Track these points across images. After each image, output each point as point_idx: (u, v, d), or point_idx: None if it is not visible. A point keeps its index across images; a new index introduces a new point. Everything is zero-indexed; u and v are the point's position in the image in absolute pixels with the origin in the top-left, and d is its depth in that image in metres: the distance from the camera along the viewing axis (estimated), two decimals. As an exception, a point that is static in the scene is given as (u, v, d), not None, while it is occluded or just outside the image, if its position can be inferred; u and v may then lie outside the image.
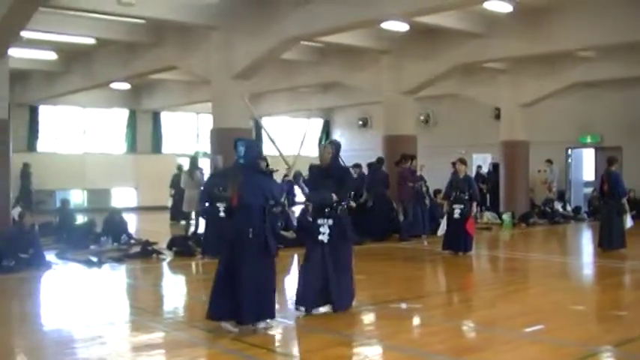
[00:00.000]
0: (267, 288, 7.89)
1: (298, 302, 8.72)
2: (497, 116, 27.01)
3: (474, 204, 15.21)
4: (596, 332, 8.22)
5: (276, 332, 8.07)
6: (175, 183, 24.14)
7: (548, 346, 7.19)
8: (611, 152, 24.93)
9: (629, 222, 15.45)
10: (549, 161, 26.59)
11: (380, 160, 19.03)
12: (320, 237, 8.77)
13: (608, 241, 15.33)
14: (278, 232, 15.06)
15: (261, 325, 7.86)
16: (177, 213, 23.56)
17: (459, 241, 14.72)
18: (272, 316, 7.96)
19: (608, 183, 15.40)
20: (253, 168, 8.05)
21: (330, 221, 8.81)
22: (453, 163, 15.41)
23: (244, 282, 7.67)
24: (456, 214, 14.82)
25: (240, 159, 8.05)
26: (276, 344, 7.63)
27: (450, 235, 14.98)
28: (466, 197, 14.82)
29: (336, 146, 9.31)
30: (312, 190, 9.08)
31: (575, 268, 14.66)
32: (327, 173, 9.09)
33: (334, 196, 8.79)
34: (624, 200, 15.50)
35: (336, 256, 8.87)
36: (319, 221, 8.82)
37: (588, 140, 27.57)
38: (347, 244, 9.13)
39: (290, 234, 16.03)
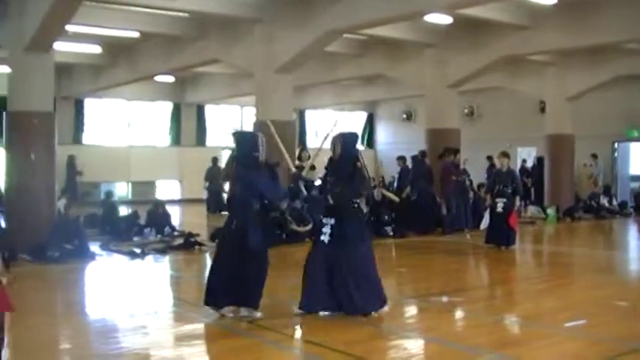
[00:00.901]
0: (246, 278, 8.03)
1: (300, 306, 8.36)
2: (543, 109, 26.71)
3: (517, 198, 15.05)
4: (638, 329, 8.10)
5: (314, 324, 8.09)
6: (210, 175, 24.64)
7: (587, 342, 7.13)
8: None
9: None
10: (594, 155, 26.30)
11: (423, 154, 18.96)
12: (322, 237, 8.39)
13: None
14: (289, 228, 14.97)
15: (244, 312, 8.10)
16: (213, 205, 24.13)
17: (501, 234, 14.57)
18: (246, 304, 8.11)
19: None
20: (246, 161, 8.08)
21: (332, 220, 8.35)
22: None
23: (219, 269, 8.17)
24: (499, 207, 14.62)
25: (234, 151, 8.21)
26: (313, 336, 7.63)
27: (493, 228, 14.85)
28: (509, 191, 14.66)
29: (345, 140, 8.62)
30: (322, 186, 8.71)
31: (620, 262, 14.49)
32: (337, 170, 8.58)
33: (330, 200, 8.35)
34: None
35: (343, 258, 8.21)
36: (323, 220, 8.40)
37: (635, 134, 27.15)
38: (356, 245, 8.31)
39: (302, 228, 15.65)
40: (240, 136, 8.46)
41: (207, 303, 8.25)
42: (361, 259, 8.27)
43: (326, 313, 8.27)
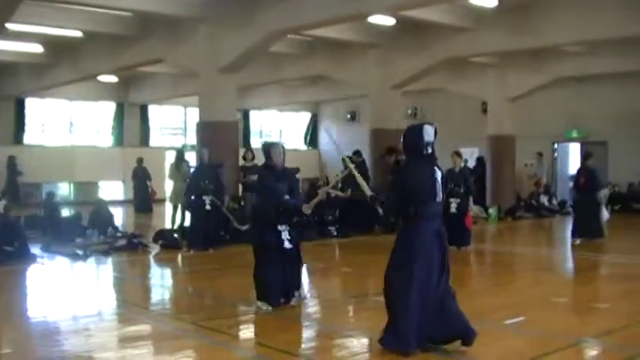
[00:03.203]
0: None
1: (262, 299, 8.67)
2: (485, 110, 27.06)
3: (471, 198, 15.04)
4: (577, 324, 8.31)
5: (259, 324, 8.15)
6: (135, 175, 25.45)
7: (527, 338, 7.27)
8: (597, 147, 25.16)
9: (605, 214, 15.97)
10: (540, 154, 26.83)
11: (356, 153, 18.84)
12: (284, 245, 8.66)
13: (588, 231, 15.74)
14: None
15: None
16: (140, 204, 24.64)
17: (456, 235, 13.64)
18: None
19: (586, 177, 15.85)
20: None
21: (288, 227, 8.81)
22: (457, 153, 15.27)
23: None
24: (453, 208, 14.35)
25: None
26: (258, 336, 7.67)
27: (447, 229, 14.75)
28: (462, 191, 14.52)
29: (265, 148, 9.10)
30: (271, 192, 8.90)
31: (559, 261, 14.78)
32: (281, 175, 8.95)
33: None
34: (599, 194, 15.95)
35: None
36: (279, 227, 8.69)
37: (574, 135, 27.68)
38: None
39: (244, 227, 15.76)
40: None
41: None
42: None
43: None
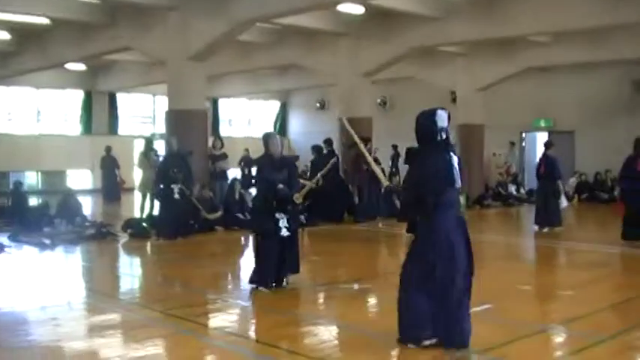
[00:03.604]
0: None
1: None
2: (454, 100, 27.20)
3: None
4: (543, 311, 8.44)
5: (228, 312, 8.18)
6: (103, 164, 25.83)
7: (494, 325, 7.34)
8: (564, 136, 25.51)
9: (564, 202, 16.29)
10: (512, 143, 27.08)
11: (327, 142, 18.87)
12: (281, 232, 9.11)
13: (546, 220, 16.11)
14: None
15: None
16: (108, 193, 24.68)
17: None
18: None
19: (545, 166, 16.20)
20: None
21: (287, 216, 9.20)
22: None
23: None
24: None
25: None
26: (227, 324, 7.70)
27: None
28: None
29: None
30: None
31: (525, 249, 14.95)
32: (279, 164, 9.33)
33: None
34: (559, 183, 16.21)
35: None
36: (277, 215, 9.11)
37: (542, 124, 27.94)
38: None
39: (212, 216, 15.90)
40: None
41: None
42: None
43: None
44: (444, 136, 6.50)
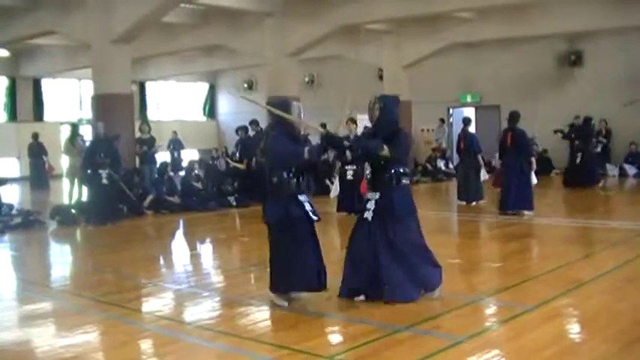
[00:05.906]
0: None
1: (339, 293, 7.58)
2: (381, 77, 27.42)
3: (367, 164, 14.96)
4: (472, 284, 8.63)
5: (159, 297, 8.20)
6: (31, 152, 25.41)
7: (426, 299, 7.45)
8: (490, 111, 25.94)
9: (484, 176, 16.93)
10: (442, 120, 27.45)
11: (253, 123, 18.82)
12: (365, 214, 7.67)
13: (467, 195, 16.67)
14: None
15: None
16: (37, 182, 24.33)
17: (352, 202, 13.92)
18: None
19: (465, 142, 16.70)
20: None
21: (377, 195, 7.71)
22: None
23: None
24: (349, 175, 14.56)
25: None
26: (159, 308, 7.69)
27: (345, 196, 14.81)
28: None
29: (385, 101, 7.98)
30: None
31: (453, 223, 15.21)
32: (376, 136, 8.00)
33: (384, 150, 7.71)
34: (479, 157, 16.66)
35: (387, 236, 7.54)
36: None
37: (468, 100, 28.37)
38: (398, 221, 7.68)
39: (175, 199, 16.04)
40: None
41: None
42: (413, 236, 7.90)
43: (361, 298, 7.38)
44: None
